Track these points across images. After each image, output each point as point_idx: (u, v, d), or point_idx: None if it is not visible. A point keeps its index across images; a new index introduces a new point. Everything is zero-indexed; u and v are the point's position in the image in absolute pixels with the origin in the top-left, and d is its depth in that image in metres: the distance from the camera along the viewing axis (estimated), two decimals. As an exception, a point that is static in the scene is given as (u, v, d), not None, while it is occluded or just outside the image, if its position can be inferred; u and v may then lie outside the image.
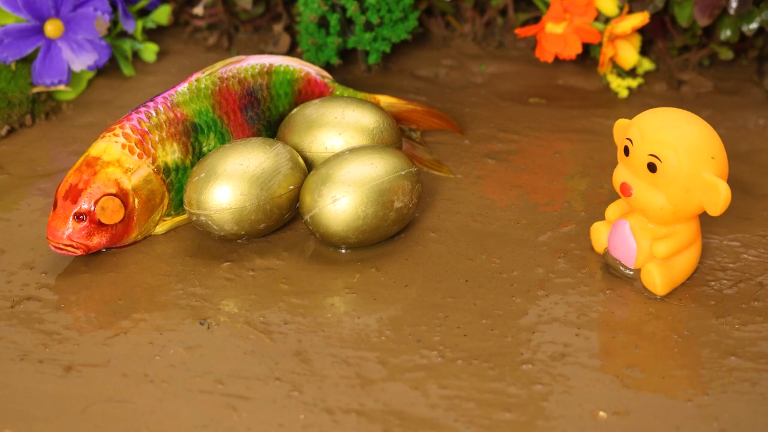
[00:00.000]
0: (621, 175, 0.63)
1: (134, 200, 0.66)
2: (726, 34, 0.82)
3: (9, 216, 0.71)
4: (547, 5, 0.83)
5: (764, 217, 0.70)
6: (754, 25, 0.80)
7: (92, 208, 0.64)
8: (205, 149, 0.69)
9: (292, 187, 0.67)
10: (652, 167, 0.61)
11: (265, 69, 0.73)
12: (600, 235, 0.66)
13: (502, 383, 0.58)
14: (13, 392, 0.58)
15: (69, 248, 0.65)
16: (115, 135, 0.67)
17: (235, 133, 0.70)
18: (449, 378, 0.59)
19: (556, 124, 0.80)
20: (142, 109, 0.68)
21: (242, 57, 0.73)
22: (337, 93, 0.76)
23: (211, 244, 0.68)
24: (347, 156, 0.66)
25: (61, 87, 0.81)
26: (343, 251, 0.67)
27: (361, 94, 0.76)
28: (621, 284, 0.65)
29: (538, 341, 0.61)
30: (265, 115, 0.72)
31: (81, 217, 0.64)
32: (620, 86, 0.83)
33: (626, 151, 0.62)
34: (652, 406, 0.57)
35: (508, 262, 0.67)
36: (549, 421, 0.56)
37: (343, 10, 0.82)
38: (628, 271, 0.64)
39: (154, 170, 0.67)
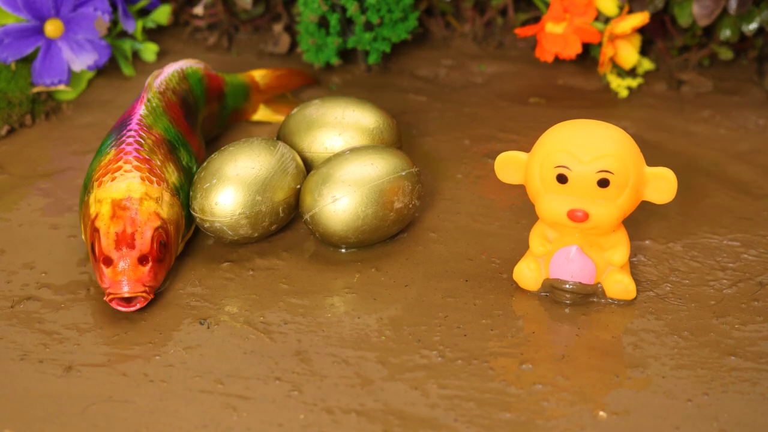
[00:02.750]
0: (562, 204, 0.60)
1: (171, 227, 0.64)
2: (726, 34, 0.82)
3: (9, 216, 0.71)
4: (547, 5, 0.83)
5: (764, 217, 0.70)
6: (753, 25, 0.80)
7: (153, 247, 0.62)
8: (185, 165, 0.68)
9: (298, 186, 0.67)
10: (604, 183, 0.59)
11: (182, 75, 0.73)
12: (530, 273, 0.63)
13: (502, 383, 0.58)
14: (13, 392, 0.58)
15: (143, 294, 0.61)
16: (127, 171, 0.64)
17: (192, 143, 0.70)
18: (449, 378, 0.59)
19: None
20: (127, 136, 0.66)
21: (159, 70, 0.72)
22: (227, 79, 0.77)
23: (211, 245, 0.68)
24: (348, 156, 0.66)
25: (61, 87, 0.81)
26: (343, 251, 0.67)
27: (241, 75, 0.78)
28: None
29: (538, 341, 0.61)
30: (197, 119, 0.72)
31: (144, 259, 0.61)
32: (620, 86, 0.83)
33: (562, 179, 0.60)
34: (652, 406, 0.57)
35: (508, 262, 0.67)
36: (549, 421, 0.56)
37: (343, 10, 0.82)
38: (571, 293, 0.63)
39: (171, 193, 0.65)
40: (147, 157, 0.65)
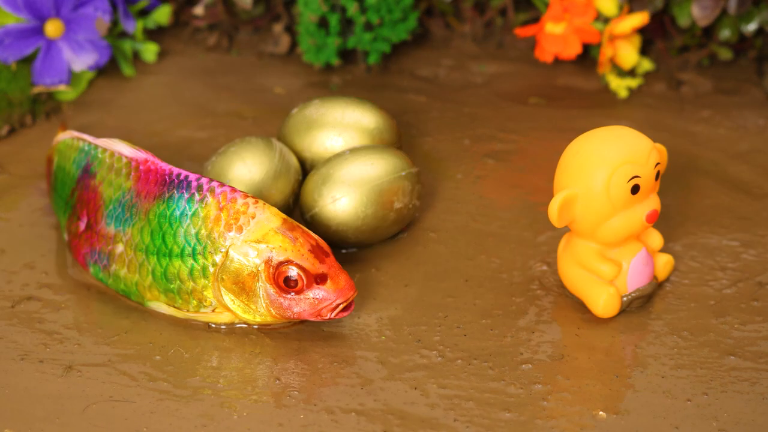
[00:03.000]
0: (637, 213, 0.59)
1: None
2: (725, 34, 0.82)
3: (9, 216, 0.71)
4: (547, 5, 0.83)
5: (764, 217, 0.70)
6: (753, 26, 0.80)
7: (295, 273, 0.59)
8: None
9: (296, 186, 0.68)
10: (658, 174, 0.60)
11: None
12: (615, 299, 0.61)
13: (501, 383, 0.58)
14: (13, 392, 0.58)
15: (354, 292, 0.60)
16: (252, 204, 0.60)
17: None
18: (449, 378, 0.59)
19: (556, 124, 0.80)
20: (205, 181, 0.61)
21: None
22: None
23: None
24: (347, 156, 0.67)
25: (62, 87, 0.81)
26: (343, 251, 0.67)
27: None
28: None
29: (538, 341, 0.61)
30: None
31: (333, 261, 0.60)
32: (620, 86, 0.83)
33: (636, 189, 0.59)
34: (652, 405, 0.57)
35: (508, 262, 0.67)
36: (549, 420, 0.56)
37: (343, 10, 0.82)
38: (646, 296, 0.63)
39: None
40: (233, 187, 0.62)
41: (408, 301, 0.64)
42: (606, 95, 0.83)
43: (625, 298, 0.62)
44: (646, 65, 0.84)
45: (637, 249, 0.61)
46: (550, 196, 0.72)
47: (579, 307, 0.63)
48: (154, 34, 0.90)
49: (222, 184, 0.61)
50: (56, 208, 0.68)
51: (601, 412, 0.57)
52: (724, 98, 0.83)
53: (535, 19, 0.87)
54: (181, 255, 0.60)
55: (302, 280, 0.58)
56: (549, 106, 0.82)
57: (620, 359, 0.60)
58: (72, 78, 0.83)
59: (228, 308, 0.60)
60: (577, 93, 0.84)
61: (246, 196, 0.60)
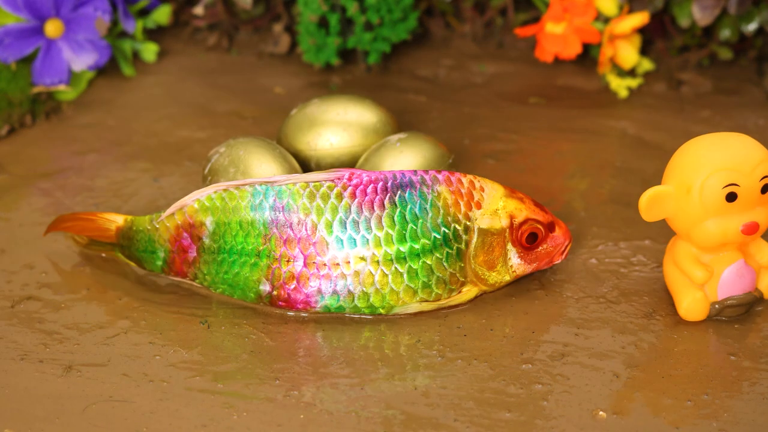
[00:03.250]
0: (732, 222, 0.59)
1: None
2: (725, 34, 0.82)
3: (9, 216, 0.71)
4: (547, 5, 0.83)
5: (764, 217, 0.70)
6: (753, 26, 0.80)
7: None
8: None
9: None
10: (766, 188, 0.59)
11: None
12: (700, 304, 0.61)
13: (501, 383, 0.58)
14: (13, 392, 0.58)
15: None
16: (480, 180, 0.63)
17: None
18: (449, 378, 0.59)
19: (556, 124, 0.80)
20: (418, 175, 0.62)
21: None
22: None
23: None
24: (399, 147, 0.68)
25: (61, 87, 0.81)
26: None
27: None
28: (620, 284, 0.65)
29: (538, 341, 0.61)
30: None
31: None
32: (620, 86, 0.83)
33: (732, 197, 0.58)
34: (652, 406, 0.57)
35: (507, 262, 0.67)
36: (549, 420, 0.56)
37: (343, 10, 0.82)
38: (741, 306, 0.62)
39: None
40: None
41: (408, 301, 0.64)
42: (606, 95, 0.83)
43: (716, 306, 0.61)
44: (646, 65, 0.84)
45: (733, 259, 0.61)
46: (551, 196, 0.72)
47: (579, 307, 0.63)
48: (154, 34, 0.90)
49: (439, 171, 0.63)
50: (230, 267, 0.62)
51: (601, 412, 0.57)
52: (724, 98, 0.83)
53: (535, 19, 0.87)
54: (434, 247, 0.61)
55: (541, 232, 0.63)
56: (549, 106, 0.82)
57: (620, 359, 0.60)
58: (72, 78, 0.83)
59: (478, 283, 0.63)
60: (577, 93, 0.84)
61: (464, 175, 0.63)
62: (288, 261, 0.61)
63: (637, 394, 0.58)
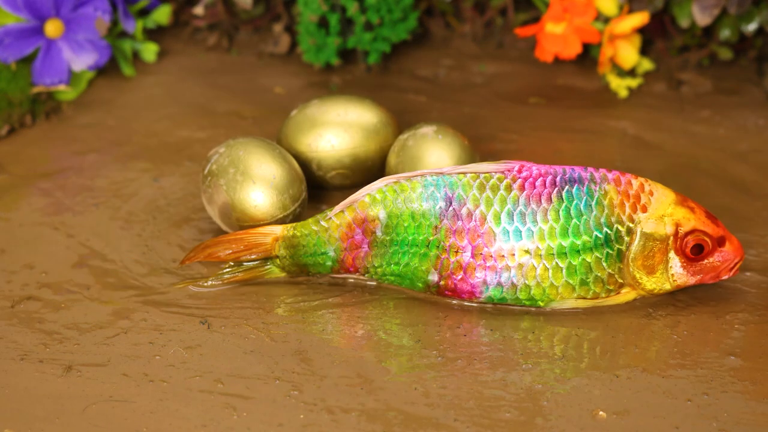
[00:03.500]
0: None
1: None
2: (725, 34, 0.82)
3: (9, 216, 0.71)
4: (547, 5, 0.83)
5: (764, 217, 0.70)
6: (753, 26, 0.80)
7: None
8: None
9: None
10: None
11: None
12: None
13: (501, 383, 0.58)
14: (13, 392, 0.58)
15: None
16: (650, 184, 0.63)
17: None
18: (449, 378, 0.59)
19: (556, 124, 0.80)
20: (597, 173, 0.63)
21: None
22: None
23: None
24: (440, 139, 0.68)
25: (61, 87, 0.81)
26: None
27: None
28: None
29: (538, 341, 0.61)
30: None
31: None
32: (620, 86, 0.83)
33: None
34: (652, 405, 0.57)
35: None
36: (548, 420, 0.56)
37: (343, 10, 0.82)
38: None
39: None
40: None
41: (408, 301, 0.64)
42: (606, 95, 0.83)
43: None
44: (646, 65, 0.84)
45: None
46: (550, 196, 0.72)
47: (578, 307, 0.63)
48: (154, 34, 0.90)
49: (610, 170, 0.62)
50: (401, 258, 0.63)
51: (601, 412, 0.57)
52: (724, 98, 0.83)
53: (535, 19, 0.87)
54: (594, 246, 0.61)
55: (708, 245, 0.62)
56: (549, 106, 0.82)
57: (620, 359, 0.60)
58: (72, 78, 0.83)
59: (636, 286, 0.62)
60: (577, 93, 0.84)
61: (636, 177, 0.62)
62: (456, 252, 0.62)
63: (637, 394, 0.58)
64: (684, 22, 0.81)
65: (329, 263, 0.64)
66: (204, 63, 0.87)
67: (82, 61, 0.81)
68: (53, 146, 0.78)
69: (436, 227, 0.62)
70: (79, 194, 0.73)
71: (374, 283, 0.65)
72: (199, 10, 0.88)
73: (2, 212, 0.71)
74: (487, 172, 0.62)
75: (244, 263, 0.65)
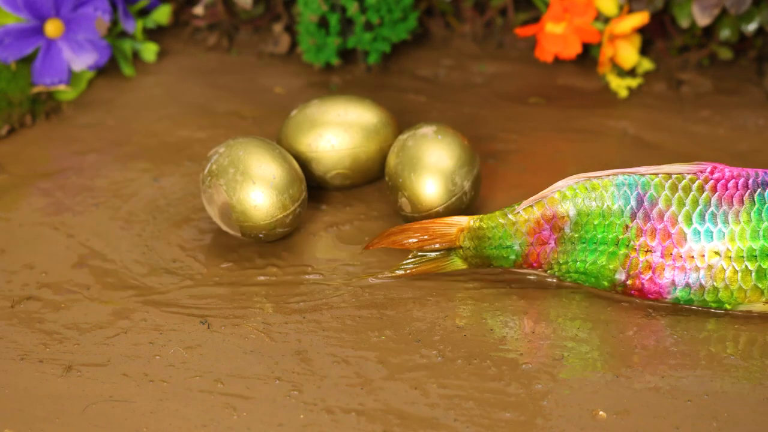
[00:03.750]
0: None
1: None
2: (725, 34, 0.82)
3: (9, 216, 0.71)
4: (547, 5, 0.83)
5: (764, 217, 0.70)
6: (753, 25, 0.80)
7: None
8: None
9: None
10: None
11: None
12: None
13: (501, 383, 0.58)
14: (13, 392, 0.58)
15: None
16: None
17: None
18: (449, 377, 0.59)
19: (556, 124, 0.80)
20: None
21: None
22: None
23: (211, 245, 0.68)
24: (440, 139, 0.68)
25: (61, 87, 0.81)
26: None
27: None
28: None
29: (538, 341, 0.61)
30: None
31: None
32: (620, 86, 0.83)
33: None
34: (652, 405, 0.57)
35: (507, 262, 0.67)
36: (548, 420, 0.56)
37: (343, 10, 0.82)
38: None
39: None
40: None
41: (408, 301, 0.64)
42: (606, 95, 0.83)
43: None
44: (646, 65, 0.84)
45: None
46: (550, 196, 0.72)
47: (579, 307, 0.63)
48: (153, 33, 0.90)
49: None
50: (588, 256, 0.63)
51: (601, 412, 0.57)
52: (724, 98, 0.83)
53: (535, 19, 0.87)
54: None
55: None
56: (549, 106, 0.82)
57: (620, 359, 0.60)
58: (72, 78, 0.83)
59: None
60: (577, 93, 0.84)
61: None
62: (646, 251, 0.62)
63: (637, 394, 0.58)
64: (684, 22, 0.81)
65: (513, 257, 0.64)
66: (204, 63, 0.87)
67: (82, 61, 0.81)
68: (53, 146, 0.78)
69: (626, 226, 0.62)
70: (79, 194, 0.73)
71: (554, 280, 0.65)
72: (199, 10, 0.88)
73: (2, 212, 0.71)
74: (680, 173, 0.62)
75: (427, 254, 0.65)
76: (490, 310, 0.63)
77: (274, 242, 0.68)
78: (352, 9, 0.81)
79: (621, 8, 0.81)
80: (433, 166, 0.67)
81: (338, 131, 0.71)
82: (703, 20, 0.79)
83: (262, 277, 0.66)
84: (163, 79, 0.85)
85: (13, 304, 0.64)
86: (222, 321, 0.62)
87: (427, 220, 0.65)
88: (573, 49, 0.81)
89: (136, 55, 0.87)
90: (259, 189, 0.66)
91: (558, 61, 0.87)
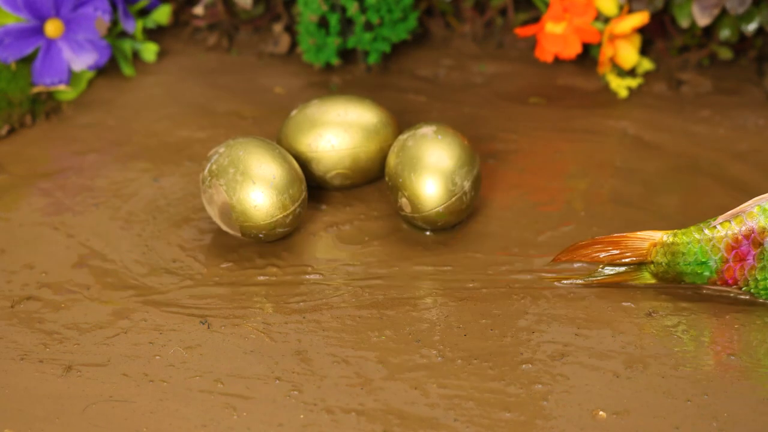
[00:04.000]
0: None
1: None
2: (725, 34, 0.82)
3: (9, 216, 0.71)
4: (547, 5, 0.83)
5: (764, 217, 0.70)
6: (753, 25, 0.80)
7: None
8: None
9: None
10: None
11: None
12: None
13: (501, 383, 0.58)
14: (13, 392, 0.58)
15: None
16: None
17: None
18: (449, 377, 0.59)
19: (556, 124, 0.80)
20: None
21: None
22: None
23: (211, 245, 0.68)
24: (440, 139, 0.68)
25: (61, 87, 0.81)
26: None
27: None
28: (619, 284, 0.65)
29: (538, 341, 0.61)
30: None
31: None
32: (620, 86, 0.83)
33: None
34: (652, 405, 0.57)
35: (507, 263, 0.67)
36: (548, 420, 0.56)
37: (343, 10, 0.82)
38: None
39: None
40: None
41: (407, 301, 0.64)
42: (606, 95, 0.83)
43: None
44: (646, 65, 0.84)
45: None
46: (551, 196, 0.72)
47: (579, 307, 0.63)
48: (153, 33, 0.90)
49: None
50: None
51: (601, 412, 0.57)
52: (724, 98, 0.83)
53: (535, 19, 0.87)
54: None
55: None
56: (549, 106, 0.82)
57: (620, 359, 0.60)
58: (72, 78, 0.83)
59: None
60: (577, 93, 0.84)
61: None
62: None
63: (637, 394, 0.58)
64: (684, 22, 0.81)
65: (707, 273, 0.62)
66: (204, 63, 0.87)
67: (82, 61, 0.81)
68: (53, 146, 0.78)
69: None
70: (79, 194, 0.73)
71: (747, 297, 0.63)
72: (199, 10, 0.88)
73: (2, 212, 0.71)
74: None
75: (616, 267, 0.64)
76: (491, 309, 0.63)
77: (274, 242, 0.68)
78: (352, 9, 0.81)
79: (621, 8, 0.81)
80: (433, 166, 0.67)
81: (338, 131, 0.71)
82: (703, 20, 0.79)
83: (262, 277, 0.66)
84: (163, 79, 0.85)
85: (13, 304, 0.64)
86: (222, 321, 0.62)
87: (618, 234, 0.64)
88: (573, 49, 0.81)
89: (136, 55, 0.87)
90: (259, 189, 0.66)
91: (558, 61, 0.87)
